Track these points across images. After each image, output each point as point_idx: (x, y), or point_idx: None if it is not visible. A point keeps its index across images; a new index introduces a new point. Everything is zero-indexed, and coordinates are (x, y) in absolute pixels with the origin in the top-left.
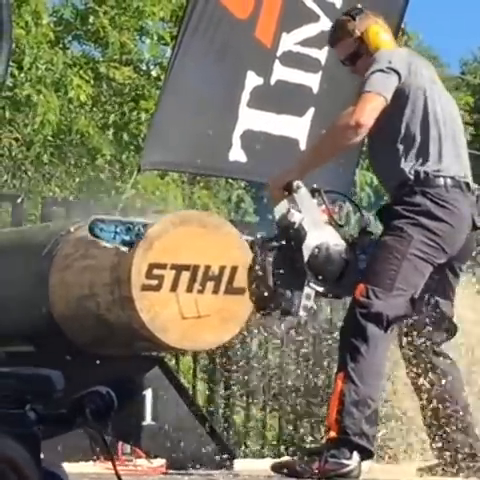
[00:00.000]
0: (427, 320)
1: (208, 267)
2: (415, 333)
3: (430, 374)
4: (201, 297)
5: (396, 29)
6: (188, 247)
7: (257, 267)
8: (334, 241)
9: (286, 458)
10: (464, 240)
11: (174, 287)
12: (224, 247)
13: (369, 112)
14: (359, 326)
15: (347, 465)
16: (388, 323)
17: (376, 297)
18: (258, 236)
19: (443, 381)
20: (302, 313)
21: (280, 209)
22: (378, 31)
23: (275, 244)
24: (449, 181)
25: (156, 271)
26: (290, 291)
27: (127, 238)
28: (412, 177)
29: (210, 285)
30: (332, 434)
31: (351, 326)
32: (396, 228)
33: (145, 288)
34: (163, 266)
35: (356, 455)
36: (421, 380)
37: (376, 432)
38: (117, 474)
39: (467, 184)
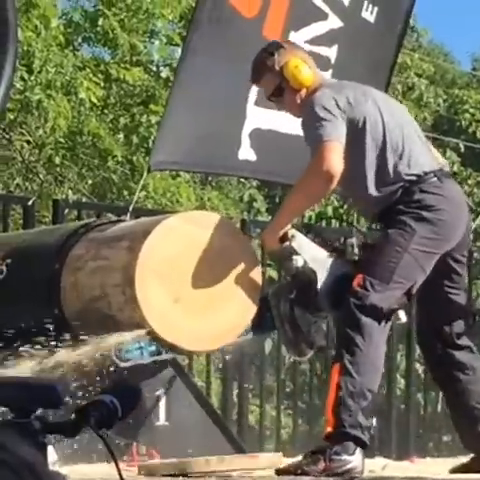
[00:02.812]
0: (444, 315)
1: None
2: (433, 327)
3: (452, 368)
4: None
5: (404, 24)
6: None
7: (278, 319)
8: (343, 271)
9: (289, 462)
10: (465, 225)
11: None
12: None
13: (337, 161)
14: (354, 317)
15: (350, 461)
16: (383, 315)
17: (373, 289)
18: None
19: (465, 375)
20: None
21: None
22: (297, 64)
23: (291, 295)
24: (440, 173)
25: None
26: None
27: (153, 348)
28: (407, 184)
29: None
30: (329, 428)
31: (346, 317)
32: (400, 222)
33: None
34: None
35: (359, 452)
36: (443, 375)
37: (372, 423)
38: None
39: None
